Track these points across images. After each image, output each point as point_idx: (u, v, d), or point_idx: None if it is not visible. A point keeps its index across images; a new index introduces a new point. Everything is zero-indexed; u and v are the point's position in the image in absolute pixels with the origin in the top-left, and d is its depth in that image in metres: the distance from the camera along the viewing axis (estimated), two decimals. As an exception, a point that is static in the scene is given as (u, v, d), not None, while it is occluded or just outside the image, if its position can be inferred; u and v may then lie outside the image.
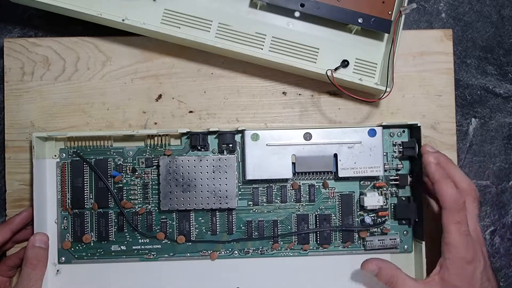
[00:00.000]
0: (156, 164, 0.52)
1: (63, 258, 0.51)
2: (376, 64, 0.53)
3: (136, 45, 0.54)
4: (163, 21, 0.52)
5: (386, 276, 0.46)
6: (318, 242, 0.52)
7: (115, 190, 0.52)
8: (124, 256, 0.52)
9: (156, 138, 0.52)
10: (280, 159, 0.51)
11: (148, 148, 0.52)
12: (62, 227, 0.51)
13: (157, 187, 0.52)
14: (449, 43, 0.55)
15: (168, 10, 0.52)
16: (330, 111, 0.55)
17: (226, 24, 0.52)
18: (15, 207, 0.53)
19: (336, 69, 0.52)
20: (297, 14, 0.52)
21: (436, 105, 0.55)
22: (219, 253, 0.52)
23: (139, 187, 0.52)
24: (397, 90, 0.54)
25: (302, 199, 0.52)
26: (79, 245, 0.52)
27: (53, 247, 0.51)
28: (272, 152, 0.51)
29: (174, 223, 0.52)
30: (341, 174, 0.51)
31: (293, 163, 0.51)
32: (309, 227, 0.52)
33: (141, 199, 0.52)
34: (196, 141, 0.51)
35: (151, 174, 0.52)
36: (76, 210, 0.51)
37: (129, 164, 0.52)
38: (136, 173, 0.52)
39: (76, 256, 0.52)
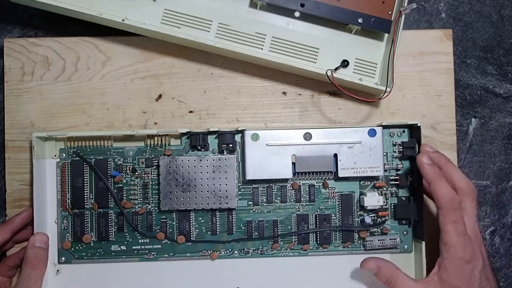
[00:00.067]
0: (156, 164, 0.52)
1: (63, 258, 0.51)
2: (376, 64, 0.53)
3: (136, 45, 0.54)
4: (163, 21, 0.52)
5: (385, 275, 0.46)
6: (318, 242, 0.52)
7: (115, 190, 0.52)
8: (124, 256, 0.52)
9: (156, 138, 0.52)
10: (280, 159, 0.51)
11: (148, 148, 0.52)
12: (62, 227, 0.52)
13: (157, 187, 0.52)
14: (449, 43, 0.55)
15: (168, 10, 0.52)
16: (330, 111, 0.55)
17: (226, 24, 0.52)
18: (15, 207, 0.53)
19: (336, 69, 0.52)
20: (297, 14, 0.52)
21: (436, 105, 0.55)
22: (219, 253, 0.52)
23: (139, 187, 0.52)
24: (397, 90, 0.54)
25: (302, 199, 0.52)
26: (79, 245, 0.52)
27: (53, 247, 0.51)
28: (272, 152, 0.51)
29: (174, 223, 0.52)
30: (341, 174, 0.51)
31: (293, 163, 0.51)
32: (309, 227, 0.52)
33: (141, 199, 0.52)
34: (196, 141, 0.51)
35: (151, 174, 0.52)
36: (76, 210, 0.51)
37: (129, 164, 0.52)
38: (136, 173, 0.52)
39: (76, 256, 0.52)
